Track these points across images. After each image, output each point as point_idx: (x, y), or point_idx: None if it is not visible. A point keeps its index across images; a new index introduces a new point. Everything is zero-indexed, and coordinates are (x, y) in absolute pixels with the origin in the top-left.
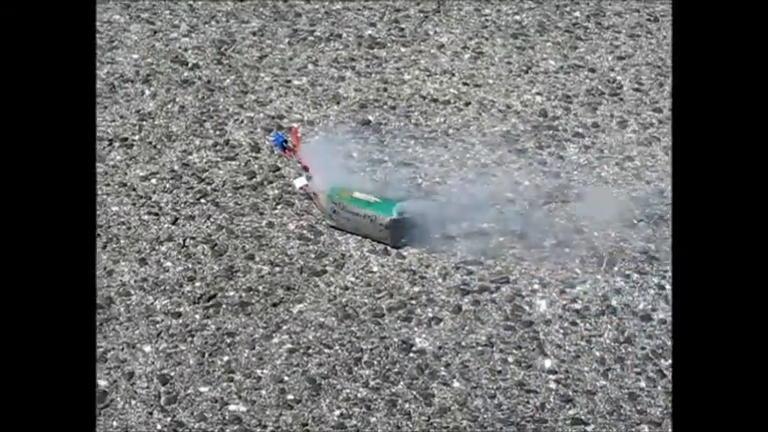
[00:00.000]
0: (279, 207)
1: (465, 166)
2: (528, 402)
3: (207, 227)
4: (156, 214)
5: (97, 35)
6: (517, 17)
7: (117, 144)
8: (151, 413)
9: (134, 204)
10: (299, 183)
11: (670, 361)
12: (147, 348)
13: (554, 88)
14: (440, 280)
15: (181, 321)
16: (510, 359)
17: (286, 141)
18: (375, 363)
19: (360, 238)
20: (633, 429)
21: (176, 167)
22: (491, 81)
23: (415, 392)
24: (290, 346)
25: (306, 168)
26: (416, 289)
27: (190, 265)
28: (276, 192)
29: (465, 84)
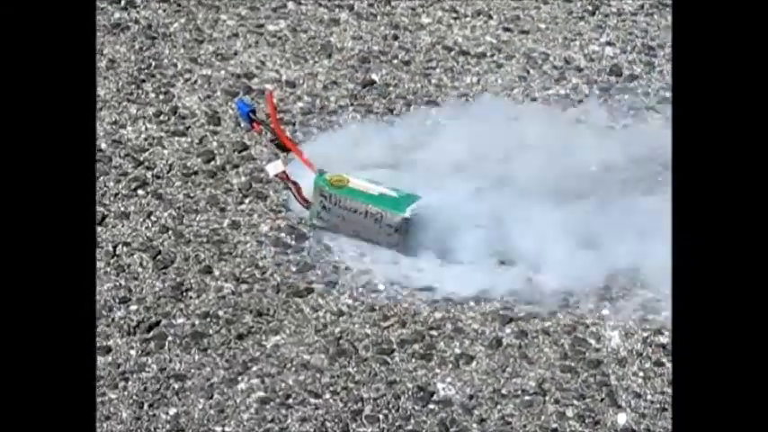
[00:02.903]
0: (247, 201)
1: (506, 144)
2: None
3: (146, 228)
4: None
5: None
6: None
7: None
8: None
9: None
10: (275, 168)
11: None
12: None
13: (631, 36)
14: (471, 302)
15: (110, 359)
16: (569, 413)
17: (254, 112)
18: (381, 417)
19: (359, 243)
20: None
21: (104, 145)
22: (543, 26)
23: None
24: (262, 393)
25: (284, 147)
26: (439, 315)
27: (122, 282)
28: (243, 180)
29: (507, 29)
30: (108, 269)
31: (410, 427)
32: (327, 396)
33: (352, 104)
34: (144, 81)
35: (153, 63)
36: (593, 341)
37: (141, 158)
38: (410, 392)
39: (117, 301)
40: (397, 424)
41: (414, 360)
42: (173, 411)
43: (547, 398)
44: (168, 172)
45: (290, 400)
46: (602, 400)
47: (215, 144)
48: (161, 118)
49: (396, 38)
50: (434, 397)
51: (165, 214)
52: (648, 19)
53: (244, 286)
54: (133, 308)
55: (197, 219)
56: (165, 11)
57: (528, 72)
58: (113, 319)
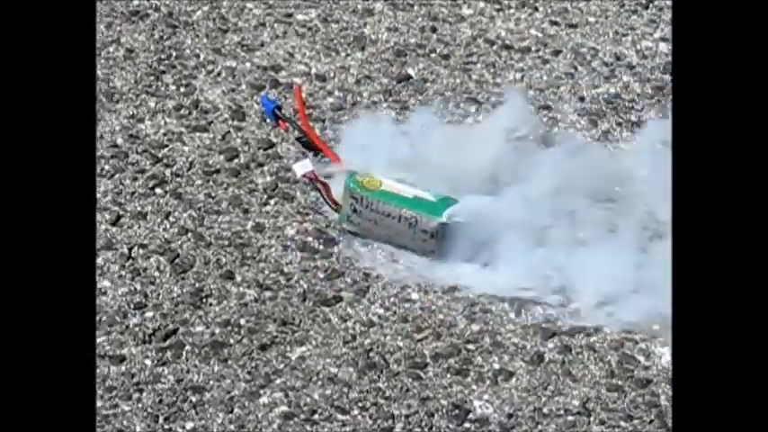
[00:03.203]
0: (272, 202)
1: (552, 146)
2: None
3: (164, 230)
4: None
5: None
6: None
7: None
8: None
9: None
10: (302, 167)
11: None
12: None
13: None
14: (512, 314)
15: (123, 369)
16: None
17: (279, 108)
18: None
19: (392, 249)
20: None
21: (120, 140)
22: (592, 19)
23: None
24: (285, 408)
25: (313, 145)
26: (476, 327)
27: (138, 287)
28: (268, 179)
29: (554, 23)
30: (123, 273)
31: None
32: (356, 412)
33: (386, 100)
34: (164, 72)
35: (174, 53)
36: (642, 358)
37: (160, 155)
38: (444, 410)
39: (132, 306)
40: None
41: (449, 375)
42: (189, 426)
43: (591, 418)
44: (188, 170)
45: (316, 416)
46: (651, 422)
47: (239, 141)
48: (181, 112)
49: (434, 30)
50: (470, 415)
51: (185, 215)
52: None
53: (267, 293)
54: (149, 314)
55: (218, 220)
56: None
57: (576, 69)
58: (128, 327)
